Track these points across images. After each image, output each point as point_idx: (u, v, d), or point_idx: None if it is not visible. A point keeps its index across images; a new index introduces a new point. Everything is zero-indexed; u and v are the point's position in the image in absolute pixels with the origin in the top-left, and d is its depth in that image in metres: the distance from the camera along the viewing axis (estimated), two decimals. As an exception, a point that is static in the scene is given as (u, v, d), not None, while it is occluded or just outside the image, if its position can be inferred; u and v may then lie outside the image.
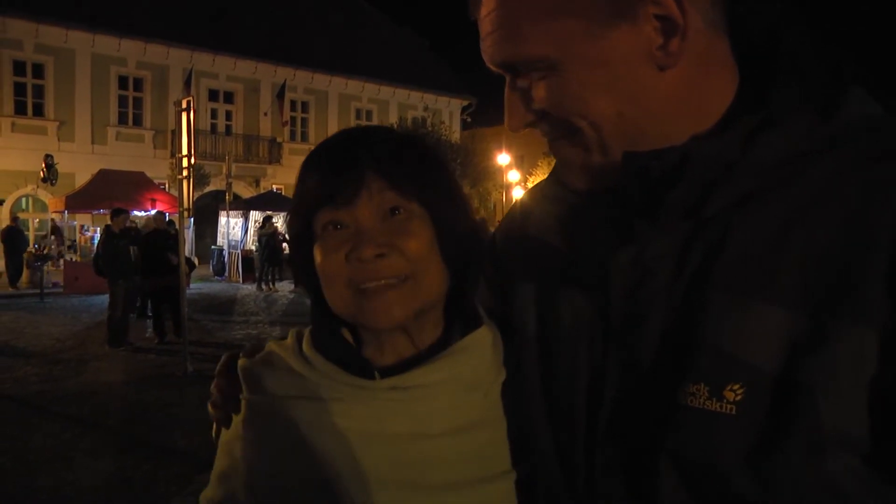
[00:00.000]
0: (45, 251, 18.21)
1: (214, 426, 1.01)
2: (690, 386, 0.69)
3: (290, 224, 0.94)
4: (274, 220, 19.49)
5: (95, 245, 12.75)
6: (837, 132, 0.70)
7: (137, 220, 16.69)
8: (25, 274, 18.82)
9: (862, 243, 0.63)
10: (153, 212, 14.51)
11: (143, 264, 10.65)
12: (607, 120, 0.76)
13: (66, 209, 19.81)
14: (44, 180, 18.96)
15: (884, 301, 0.61)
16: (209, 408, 1.01)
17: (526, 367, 0.90)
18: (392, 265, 0.84)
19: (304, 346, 0.93)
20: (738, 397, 0.66)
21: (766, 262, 0.67)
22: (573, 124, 0.78)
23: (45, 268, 17.64)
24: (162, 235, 11.05)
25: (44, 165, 18.57)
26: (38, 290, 16.48)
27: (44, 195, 22.25)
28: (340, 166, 0.86)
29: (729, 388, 0.67)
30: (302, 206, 0.89)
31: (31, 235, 21.86)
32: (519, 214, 1.02)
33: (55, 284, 17.82)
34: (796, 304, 0.64)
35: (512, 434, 0.92)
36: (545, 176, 0.99)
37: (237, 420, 0.96)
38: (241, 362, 0.97)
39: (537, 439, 0.88)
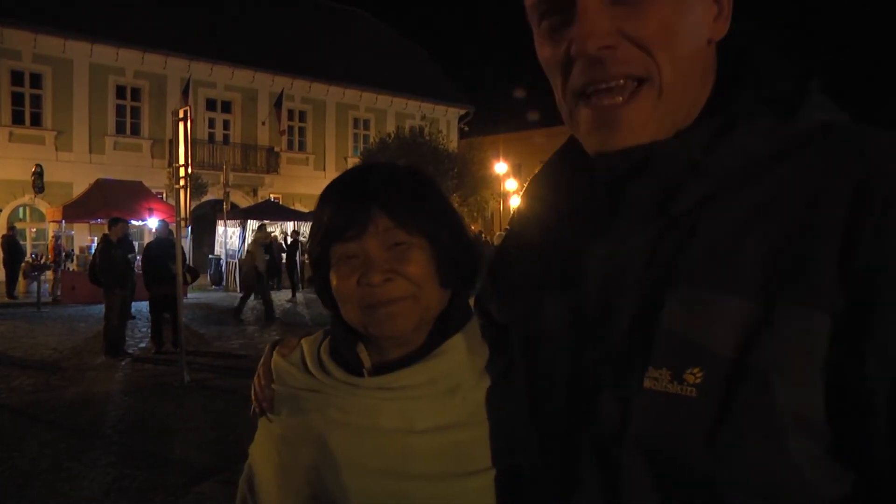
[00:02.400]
0: (42, 261, 18.18)
1: (252, 409, 1.18)
2: (653, 371, 0.72)
3: (310, 252, 1.09)
4: (270, 228, 19.45)
5: (92, 254, 12.73)
6: (795, 134, 0.74)
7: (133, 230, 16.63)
8: (22, 284, 18.79)
9: (814, 233, 0.66)
10: (149, 220, 14.48)
11: (144, 273, 10.65)
12: (673, 71, 0.76)
13: (63, 219, 19.77)
14: (35, 190, 18.84)
15: (835, 287, 0.64)
16: (251, 395, 1.16)
17: (514, 370, 0.94)
18: (397, 287, 0.99)
19: (322, 348, 1.11)
20: (698, 380, 0.69)
21: (726, 256, 0.71)
22: (644, 62, 0.76)
23: (42, 277, 17.62)
24: (163, 244, 11.03)
25: (32, 175, 18.44)
26: (35, 300, 16.44)
27: (41, 205, 22.22)
28: (351, 205, 1.02)
29: (689, 371, 0.70)
30: (319, 239, 1.05)
31: (27, 245, 21.81)
32: (516, 219, 1.07)
33: (54, 299, 17.77)
34: (753, 293, 0.68)
35: (497, 433, 0.99)
36: None
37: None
38: (274, 357, 1.15)
39: (522, 438, 0.91)
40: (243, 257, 17.20)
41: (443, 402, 1.00)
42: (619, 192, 0.80)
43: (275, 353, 1.15)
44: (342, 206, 1.02)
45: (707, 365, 0.69)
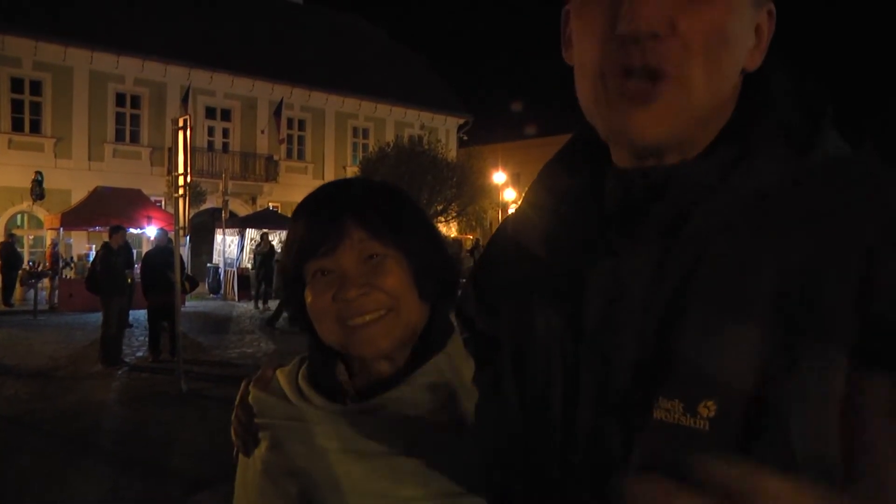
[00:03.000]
0: (40, 269, 18.13)
1: (235, 451, 1.13)
2: (665, 402, 0.70)
3: (282, 269, 1.06)
4: (271, 237, 19.47)
5: (91, 261, 12.72)
6: (811, 166, 0.73)
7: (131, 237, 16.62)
8: (19, 291, 18.74)
9: (833, 268, 0.65)
10: (147, 228, 14.45)
11: (143, 282, 10.64)
12: (707, 77, 0.74)
13: (61, 226, 19.75)
14: (33, 197, 18.81)
15: (853, 324, 0.62)
16: (232, 435, 1.11)
17: (504, 382, 0.91)
18: (374, 300, 0.97)
19: (300, 376, 1.07)
20: (712, 413, 0.68)
21: (740, 283, 0.69)
22: (681, 62, 0.73)
23: (40, 285, 17.58)
24: (162, 253, 10.99)
25: (32, 181, 18.42)
26: (32, 308, 16.39)
27: (39, 212, 22.20)
28: (324, 220, 0.99)
29: (703, 404, 0.68)
30: (292, 255, 1.02)
31: (25, 253, 21.76)
32: (504, 228, 1.04)
33: (51, 306, 17.71)
34: (770, 324, 0.66)
35: (489, 451, 0.95)
36: None
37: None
38: (252, 392, 1.11)
39: (514, 456, 0.88)
40: (250, 266, 17.14)
41: (427, 421, 0.98)
42: (630, 208, 0.79)
43: (251, 387, 1.11)
44: (315, 222, 1.00)
45: (722, 397, 0.67)
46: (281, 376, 1.09)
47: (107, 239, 11.02)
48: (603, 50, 0.77)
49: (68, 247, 21.46)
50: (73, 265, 19.93)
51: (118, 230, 11.00)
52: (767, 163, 0.74)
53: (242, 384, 1.14)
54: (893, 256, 0.63)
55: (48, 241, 21.44)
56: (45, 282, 19.00)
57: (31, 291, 17.05)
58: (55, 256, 19.30)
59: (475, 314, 1.02)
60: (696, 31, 0.73)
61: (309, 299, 1.00)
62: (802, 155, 0.74)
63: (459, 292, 1.09)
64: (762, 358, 0.66)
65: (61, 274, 18.99)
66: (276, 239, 19.31)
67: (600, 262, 0.80)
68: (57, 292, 18.46)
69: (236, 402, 1.12)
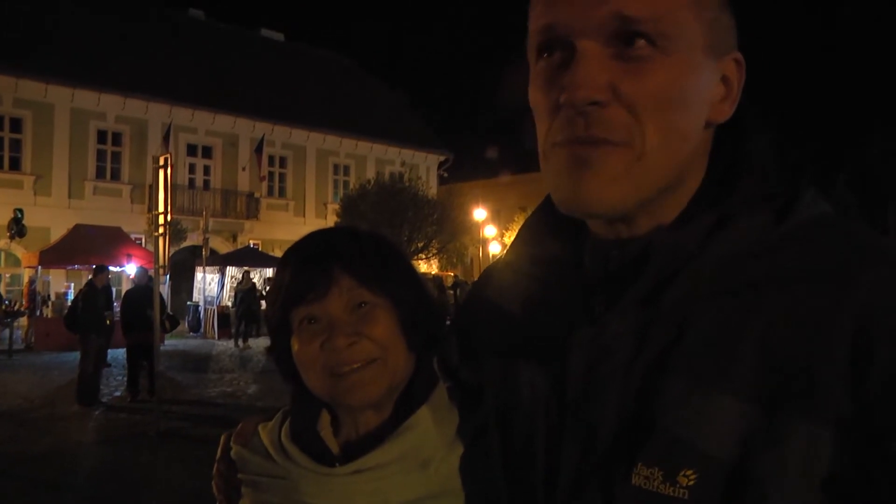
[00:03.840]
0: (16, 307, 17.88)
1: None
2: (644, 469, 0.70)
3: (268, 317, 1.05)
4: (251, 275, 19.40)
5: (71, 300, 12.62)
6: (790, 231, 0.72)
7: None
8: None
9: (818, 340, 0.65)
10: (127, 266, 14.35)
11: (122, 320, 10.57)
12: (661, 139, 0.73)
13: (39, 264, 19.54)
14: (10, 235, 18.56)
15: (841, 400, 0.62)
16: (213, 490, 1.11)
17: (487, 438, 0.92)
18: (363, 350, 0.96)
19: (282, 433, 1.04)
20: (691, 482, 0.67)
21: (722, 353, 0.69)
22: (628, 127, 0.73)
23: (15, 324, 17.32)
24: (141, 291, 10.95)
25: (10, 219, 18.16)
26: (7, 347, 16.11)
27: (17, 250, 21.96)
28: (312, 267, 0.99)
29: (682, 472, 0.68)
30: (279, 302, 1.01)
31: (1, 290, 21.47)
32: (486, 282, 1.05)
33: (28, 345, 17.42)
34: (751, 395, 0.66)
35: (473, 502, 0.97)
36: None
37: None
38: (233, 448, 1.08)
39: None
40: (231, 304, 16.98)
41: (415, 476, 0.97)
42: (610, 278, 0.80)
43: (232, 443, 1.09)
44: (303, 268, 0.99)
45: (701, 467, 0.67)
46: (263, 433, 1.06)
47: (89, 277, 10.99)
48: (550, 121, 0.76)
49: (46, 284, 21.19)
50: (50, 303, 19.67)
51: (102, 270, 11.05)
52: (747, 230, 0.73)
53: (222, 438, 1.12)
54: (883, 329, 0.62)
55: (26, 279, 21.18)
56: (23, 320, 18.74)
57: (7, 331, 16.77)
58: (32, 294, 19.06)
59: (458, 365, 1.03)
60: (641, 95, 0.71)
61: (296, 347, 0.98)
62: (781, 220, 0.73)
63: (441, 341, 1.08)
64: (743, 429, 0.65)
65: (39, 312, 18.73)
66: (257, 277, 19.25)
67: (582, 329, 0.79)
68: (33, 331, 18.19)
69: (217, 457, 1.11)
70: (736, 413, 0.66)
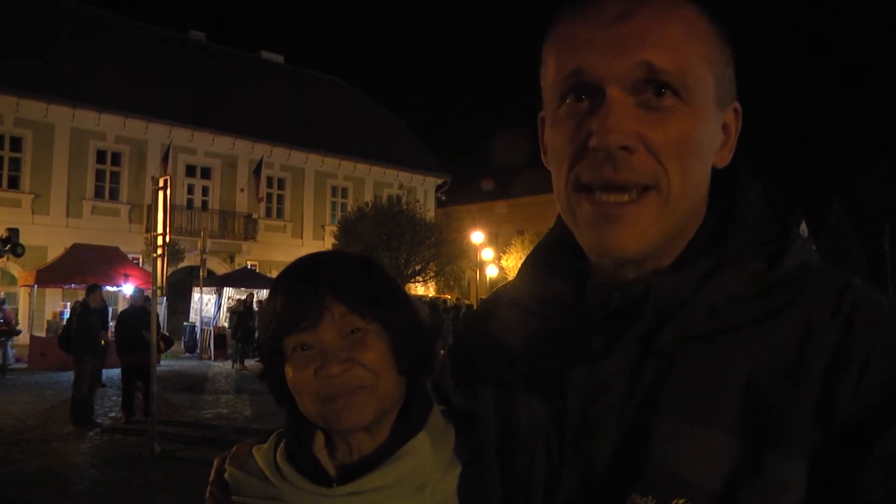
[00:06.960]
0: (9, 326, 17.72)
1: None
2: (638, 497, 0.75)
3: (261, 345, 1.06)
4: (246, 297, 19.37)
5: (65, 320, 12.54)
6: (780, 277, 0.78)
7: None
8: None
9: (795, 378, 0.71)
10: (124, 286, 14.29)
11: (117, 340, 10.52)
12: (681, 185, 0.78)
13: (35, 283, 19.50)
14: (6, 252, 18.39)
15: (813, 434, 0.69)
16: None
17: (485, 468, 0.94)
18: (355, 376, 0.98)
19: (278, 455, 1.04)
20: None
21: (709, 391, 0.75)
22: (654, 172, 0.77)
23: (10, 343, 17.21)
24: (138, 312, 10.92)
25: (4, 238, 17.94)
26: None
27: (13, 268, 21.91)
28: (304, 295, 1.00)
29: (675, 501, 0.73)
30: (272, 330, 1.02)
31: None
32: (485, 314, 1.08)
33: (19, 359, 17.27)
34: (735, 430, 0.72)
35: None
36: (518, 255, 1.02)
37: None
38: (228, 470, 1.08)
39: None
40: (227, 324, 16.87)
41: (411, 499, 0.98)
42: (609, 318, 0.84)
43: (227, 465, 1.09)
44: (295, 296, 1.00)
45: (692, 497, 0.72)
46: (258, 455, 1.06)
47: (83, 297, 10.94)
48: (573, 162, 0.79)
49: (42, 304, 21.07)
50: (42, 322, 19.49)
51: (95, 289, 10.95)
52: (740, 275, 0.78)
53: (216, 461, 1.12)
54: (851, 369, 0.69)
55: (21, 298, 21.04)
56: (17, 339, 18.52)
57: (0, 350, 16.64)
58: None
59: (452, 392, 1.06)
60: (666, 143, 0.76)
61: (290, 374, 1.00)
62: (773, 267, 0.79)
63: (436, 366, 1.10)
64: (729, 462, 0.71)
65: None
66: (255, 298, 19.23)
67: (582, 366, 0.84)
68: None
69: (210, 479, 1.11)
70: (721, 447, 0.72)
